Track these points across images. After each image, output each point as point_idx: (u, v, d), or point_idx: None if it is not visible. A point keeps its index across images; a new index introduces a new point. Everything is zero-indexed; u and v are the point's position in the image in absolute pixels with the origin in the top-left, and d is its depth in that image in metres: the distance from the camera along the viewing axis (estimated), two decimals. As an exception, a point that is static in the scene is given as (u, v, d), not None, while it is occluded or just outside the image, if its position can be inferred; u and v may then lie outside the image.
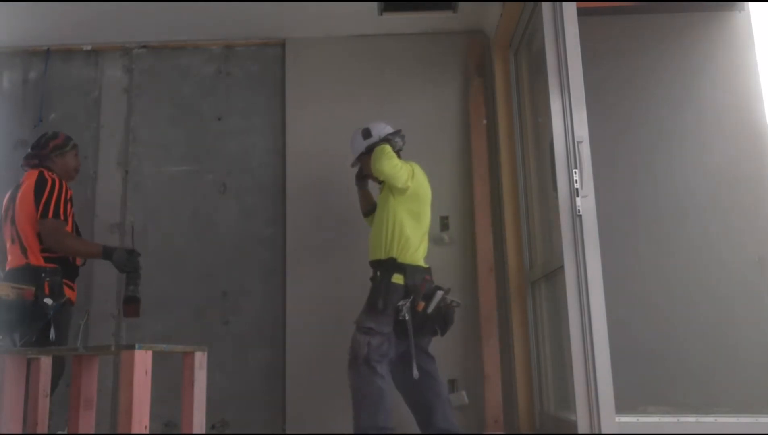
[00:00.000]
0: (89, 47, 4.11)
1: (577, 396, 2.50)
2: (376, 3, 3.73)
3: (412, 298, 2.93)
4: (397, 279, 2.97)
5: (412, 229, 3.03)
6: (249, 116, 4.02)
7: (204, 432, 2.65)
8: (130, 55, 4.12)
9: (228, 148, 3.99)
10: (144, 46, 4.12)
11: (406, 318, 2.90)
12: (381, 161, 2.99)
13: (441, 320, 3.00)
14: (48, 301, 2.84)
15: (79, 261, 3.17)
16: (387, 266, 3.00)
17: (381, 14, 3.83)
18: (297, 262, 3.76)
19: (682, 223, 3.31)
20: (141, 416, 2.26)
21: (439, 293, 2.96)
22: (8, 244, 3.09)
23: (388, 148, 3.05)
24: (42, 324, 2.81)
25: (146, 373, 2.30)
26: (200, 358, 2.68)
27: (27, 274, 2.96)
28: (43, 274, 2.96)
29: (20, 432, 2.56)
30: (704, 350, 3.13)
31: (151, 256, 3.83)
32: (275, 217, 3.88)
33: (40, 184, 3.06)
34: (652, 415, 2.98)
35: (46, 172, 3.11)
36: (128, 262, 3.05)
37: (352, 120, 3.85)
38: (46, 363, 2.69)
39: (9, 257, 3.07)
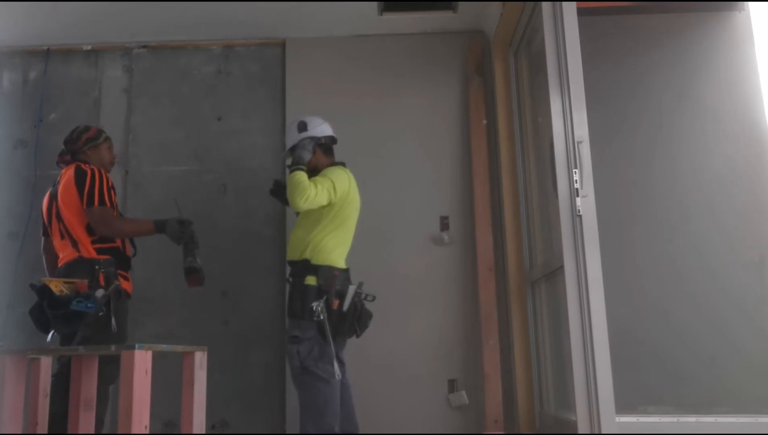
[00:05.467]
0: (89, 47, 4.11)
1: (577, 396, 2.50)
2: (376, 3, 3.73)
3: (325, 297, 2.90)
4: (310, 281, 2.94)
5: (333, 233, 3.02)
6: (249, 116, 4.02)
7: (204, 432, 2.65)
8: (130, 55, 4.12)
9: (228, 148, 3.99)
10: (144, 46, 4.12)
11: (321, 318, 2.87)
12: (295, 199, 2.92)
13: (357, 318, 2.99)
14: (100, 291, 2.82)
15: (129, 251, 3.18)
16: (299, 269, 2.99)
17: (381, 14, 3.83)
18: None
19: (682, 222, 3.31)
20: (141, 416, 2.26)
21: (351, 288, 2.94)
22: (57, 241, 3.06)
23: (297, 177, 2.95)
24: (93, 317, 2.77)
25: (146, 373, 2.31)
26: (200, 358, 2.69)
27: (80, 267, 2.95)
28: (96, 266, 2.96)
29: (20, 432, 2.56)
30: (704, 350, 3.13)
31: (151, 256, 3.83)
32: (275, 217, 3.88)
33: (79, 176, 3.05)
34: (652, 415, 2.98)
35: (82, 165, 3.10)
36: (182, 232, 3.09)
37: (352, 120, 3.87)
38: (46, 363, 2.69)
39: (61, 254, 3.05)
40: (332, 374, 2.88)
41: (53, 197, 3.11)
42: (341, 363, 3.07)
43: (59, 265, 3.04)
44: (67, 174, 3.09)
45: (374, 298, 3.08)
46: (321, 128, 3.18)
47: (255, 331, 3.76)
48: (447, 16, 3.88)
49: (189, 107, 4.04)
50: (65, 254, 3.03)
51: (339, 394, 2.95)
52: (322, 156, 3.17)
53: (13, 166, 3.96)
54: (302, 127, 3.16)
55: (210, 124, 4.02)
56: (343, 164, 3.22)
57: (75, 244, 3.01)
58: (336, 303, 2.91)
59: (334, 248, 3.02)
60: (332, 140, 3.23)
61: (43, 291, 2.75)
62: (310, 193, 2.92)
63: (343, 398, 3.02)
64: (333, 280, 2.92)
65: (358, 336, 3.07)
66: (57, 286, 2.74)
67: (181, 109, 4.04)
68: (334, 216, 3.04)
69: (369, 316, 3.08)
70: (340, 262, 3.05)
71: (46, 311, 2.74)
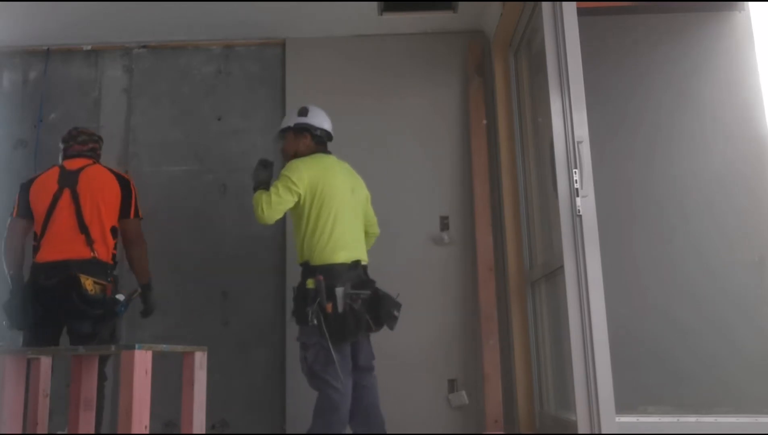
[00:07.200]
0: (89, 47, 4.11)
1: (577, 396, 2.50)
2: (376, 3, 3.73)
3: (318, 301, 2.81)
4: (310, 284, 2.87)
5: (319, 229, 2.93)
6: (249, 116, 4.02)
7: (204, 432, 2.65)
8: (130, 55, 4.12)
9: (228, 148, 3.99)
10: (144, 46, 4.12)
11: (314, 323, 2.79)
12: (256, 214, 2.97)
13: (372, 315, 2.88)
14: (120, 297, 2.87)
15: None
16: (302, 272, 2.93)
17: (381, 14, 3.83)
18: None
19: (682, 222, 3.31)
20: (141, 416, 2.26)
21: (339, 290, 2.83)
22: (66, 233, 2.96)
23: (254, 197, 3.00)
24: (113, 320, 2.85)
25: (146, 373, 2.31)
26: (200, 358, 2.69)
27: (94, 268, 2.92)
28: (109, 271, 2.97)
29: (20, 432, 2.56)
30: (704, 350, 3.13)
31: (151, 256, 3.82)
32: (275, 217, 3.88)
33: (124, 182, 3.13)
34: (652, 415, 2.98)
35: (116, 171, 3.18)
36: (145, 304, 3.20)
37: (353, 120, 3.86)
38: (46, 363, 2.69)
39: (61, 247, 2.94)
40: (341, 380, 2.81)
41: (67, 185, 3.02)
42: (362, 368, 2.96)
43: (56, 258, 2.92)
44: (103, 173, 3.09)
45: (367, 295, 2.90)
46: (319, 119, 3.14)
47: (255, 331, 3.76)
48: (447, 16, 3.88)
49: (189, 107, 4.04)
50: (71, 249, 2.94)
51: (349, 398, 2.86)
52: (311, 144, 3.10)
53: (13, 166, 3.96)
54: (303, 112, 3.13)
55: (210, 124, 4.02)
56: (327, 154, 3.14)
57: (91, 243, 2.95)
58: (329, 306, 2.81)
59: (326, 244, 2.91)
60: (327, 135, 3.18)
61: (73, 284, 2.74)
62: (263, 200, 2.93)
63: (364, 400, 2.94)
64: (319, 283, 2.82)
65: (376, 329, 2.95)
66: (91, 285, 2.74)
67: (181, 109, 4.04)
68: (311, 209, 2.95)
69: (388, 313, 2.92)
70: (339, 257, 2.92)
71: (78, 304, 2.75)
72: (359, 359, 2.96)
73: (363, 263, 3.00)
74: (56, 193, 3.02)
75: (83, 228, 2.97)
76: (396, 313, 2.95)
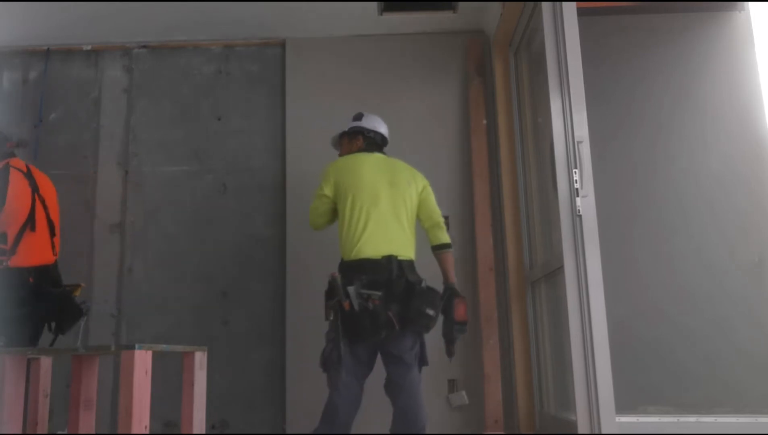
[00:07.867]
0: (89, 47, 4.11)
1: (577, 396, 2.50)
2: (376, 3, 3.74)
3: (336, 298, 2.77)
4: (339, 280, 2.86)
5: (343, 227, 2.94)
6: (249, 116, 4.02)
7: (204, 432, 2.66)
8: (130, 55, 4.12)
9: (228, 148, 3.99)
10: (144, 46, 4.12)
11: (330, 319, 2.78)
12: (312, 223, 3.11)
13: (404, 310, 2.80)
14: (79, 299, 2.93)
15: None
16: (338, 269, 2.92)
17: (381, 14, 3.83)
18: (297, 262, 3.76)
19: (682, 222, 3.30)
20: (141, 416, 2.26)
21: (350, 289, 2.76)
22: (45, 237, 2.96)
23: (311, 208, 3.07)
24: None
25: (146, 373, 2.31)
26: (200, 358, 2.69)
27: (57, 272, 2.97)
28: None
29: (20, 432, 2.56)
30: (704, 350, 3.13)
31: (151, 256, 3.84)
32: (275, 217, 3.88)
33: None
34: (652, 415, 2.98)
35: None
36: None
37: (352, 120, 3.86)
38: (46, 363, 2.69)
39: (41, 252, 2.94)
40: (345, 382, 2.78)
41: (35, 188, 3.00)
42: (391, 354, 2.86)
43: (42, 262, 2.92)
44: (43, 174, 3.11)
45: (378, 295, 2.79)
46: (373, 123, 3.14)
47: (255, 331, 3.76)
48: (447, 16, 3.88)
49: (189, 107, 4.04)
50: (44, 255, 2.95)
51: (354, 402, 2.84)
52: (363, 145, 3.10)
53: (13, 166, 3.96)
54: (357, 117, 3.16)
55: (210, 124, 4.02)
56: (372, 152, 3.10)
57: (53, 247, 3.00)
58: (347, 304, 2.75)
59: (354, 239, 2.89)
60: (381, 138, 3.15)
61: (67, 291, 2.82)
62: (311, 208, 3.06)
63: (399, 401, 2.85)
64: (333, 280, 2.80)
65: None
66: (77, 292, 2.80)
67: (181, 109, 4.04)
68: (344, 207, 2.96)
69: (418, 310, 2.80)
70: (367, 252, 2.85)
71: (73, 310, 2.84)
72: (390, 348, 2.85)
73: (400, 259, 2.89)
74: (32, 196, 3.00)
75: (52, 231, 3.00)
76: (429, 310, 2.81)
